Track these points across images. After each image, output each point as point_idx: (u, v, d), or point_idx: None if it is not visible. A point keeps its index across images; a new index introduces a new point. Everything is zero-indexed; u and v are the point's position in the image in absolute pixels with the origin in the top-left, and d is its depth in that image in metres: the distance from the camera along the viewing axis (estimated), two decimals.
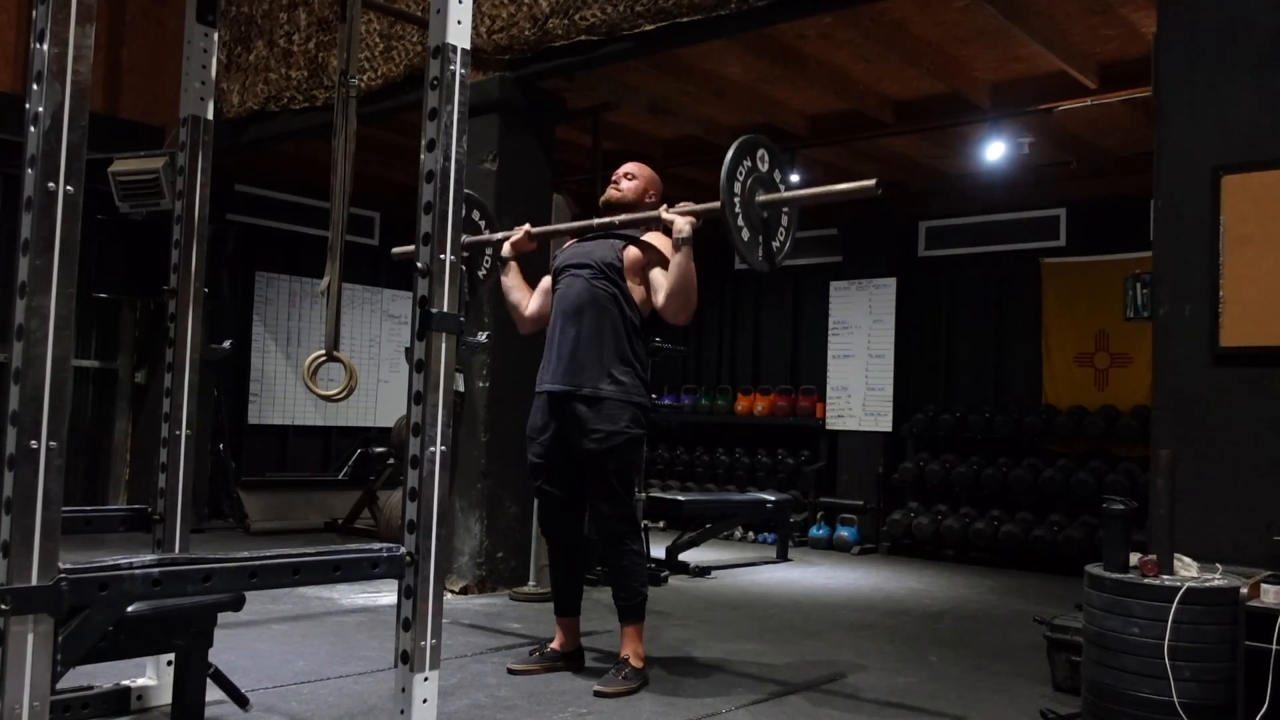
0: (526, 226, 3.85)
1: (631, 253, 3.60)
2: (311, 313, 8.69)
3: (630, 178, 3.75)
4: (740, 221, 3.23)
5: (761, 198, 3.28)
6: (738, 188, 3.20)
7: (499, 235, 3.95)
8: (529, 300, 3.85)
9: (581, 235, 3.77)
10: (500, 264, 3.88)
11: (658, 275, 3.54)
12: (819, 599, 5.62)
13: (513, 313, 3.90)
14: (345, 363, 3.02)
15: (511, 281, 3.86)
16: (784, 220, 3.41)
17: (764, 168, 3.30)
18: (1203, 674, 2.68)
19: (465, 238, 3.91)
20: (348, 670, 3.51)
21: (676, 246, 3.40)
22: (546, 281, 3.83)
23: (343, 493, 7.99)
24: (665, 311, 3.53)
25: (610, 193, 3.74)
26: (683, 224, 3.37)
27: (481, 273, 4.13)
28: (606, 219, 3.64)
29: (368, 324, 9.08)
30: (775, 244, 3.38)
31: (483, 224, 4.11)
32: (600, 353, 3.51)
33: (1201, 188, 3.25)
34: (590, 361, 3.51)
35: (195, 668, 2.49)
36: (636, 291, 3.58)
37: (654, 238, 3.60)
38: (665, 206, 3.48)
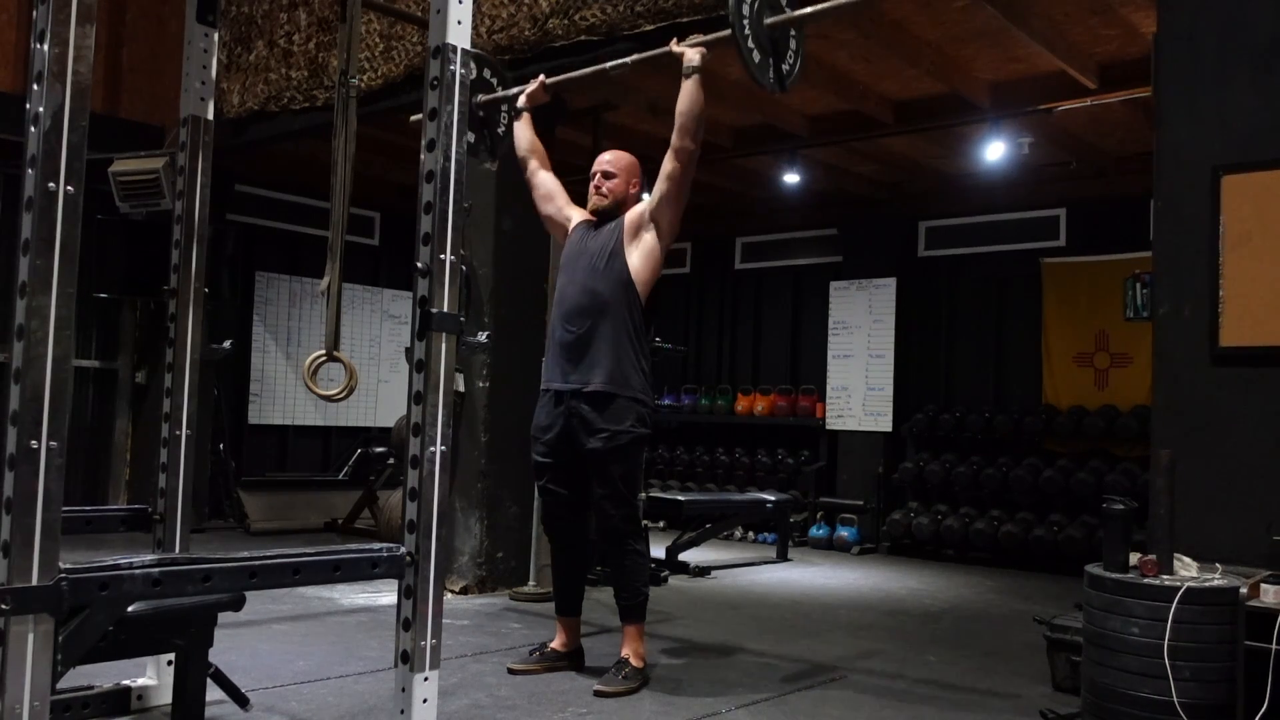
0: (541, 77, 3.87)
1: (630, 215, 3.64)
2: (311, 313, 8.69)
3: (609, 177, 3.75)
4: (750, 44, 3.26)
5: (769, 19, 3.31)
6: (746, 9, 3.24)
7: (514, 90, 3.96)
8: (539, 164, 3.91)
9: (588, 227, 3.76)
10: (514, 114, 3.93)
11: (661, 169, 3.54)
12: (819, 599, 5.62)
13: (520, 163, 3.95)
14: (345, 363, 3.02)
15: (524, 132, 3.91)
16: (792, 42, 3.44)
17: None
18: (1203, 674, 2.68)
19: (481, 96, 3.93)
20: (348, 670, 3.52)
21: (687, 75, 3.45)
22: (553, 183, 3.88)
23: (343, 493, 7.98)
24: (676, 139, 3.51)
25: (596, 201, 3.75)
26: (693, 54, 3.43)
27: (500, 129, 4.11)
28: (619, 60, 3.63)
29: (368, 324, 9.08)
30: (785, 66, 3.41)
31: (495, 83, 4.09)
32: (604, 351, 3.52)
33: (1201, 188, 3.25)
34: (594, 360, 3.52)
35: (195, 668, 2.49)
36: (644, 242, 3.59)
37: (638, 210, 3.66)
38: (675, 40, 3.52)
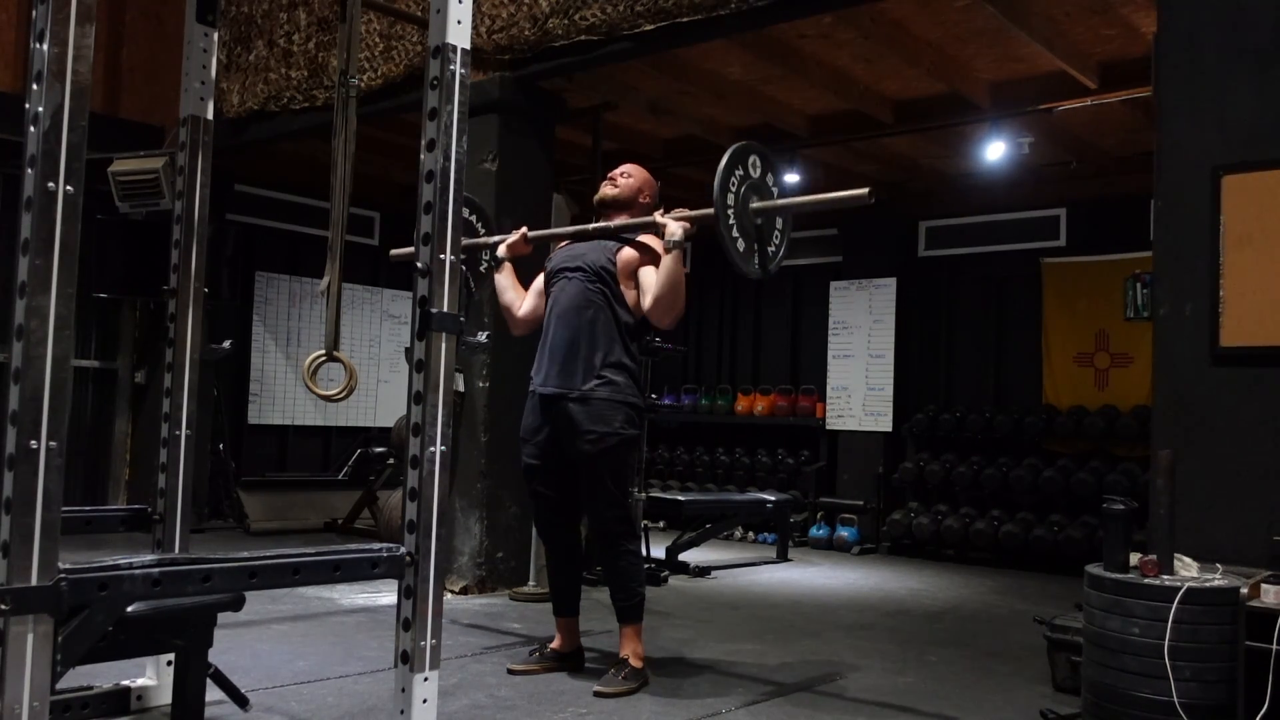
0: (523, 229, 3.84)
1: (625, 254, 3.59)
2: (311, 313, 8.69)
3: (626, 176, 3.75)
4: (735, 233, 3.22)
5: (755, 205, 3.27)
6: (731, 198, 3.20)
7: (495, 238, 3.95)
8: (522, 301, 3.84)
9: (577, 239, 3.78)
10: (495, 265, 3.88)
11: (647, 275, 3.53)
12: (819, 599, 5.62)
13: (505, 314, 3.89)
14: (345, 363, 3.02)
15: (505, 282, 3.85)
16: (778, 225, 3.40)
17: (756, 174, 3.30)
18: (1203, 674, 2.67)
19: (462, 240, 3.92)
20: (348, 670, 3.51)
21: (667, 249, 3.39)
22: (539, 282, 3.82)
23: (343, 493, 7.99)
24: (651, 314, 3.52)
25: (605, 190, 3.74)
26: (675, 228, 3.37)
27: (482, 267, 4.13)
28: (603, 224, 3.64)
29: (368, 324, 9.08)
30: (771, 249, 3.37)
31: (480, 226, 4.11)
32: (592, 353, 3.51)
33: (1201, 188, 3.25)
34: (582, 362, 3.50)
35: (195, 668, 2.49)
36: (629, 294, 3.58)
37: (648, 240, 3.60)
38: (661, 210, 3.48)
